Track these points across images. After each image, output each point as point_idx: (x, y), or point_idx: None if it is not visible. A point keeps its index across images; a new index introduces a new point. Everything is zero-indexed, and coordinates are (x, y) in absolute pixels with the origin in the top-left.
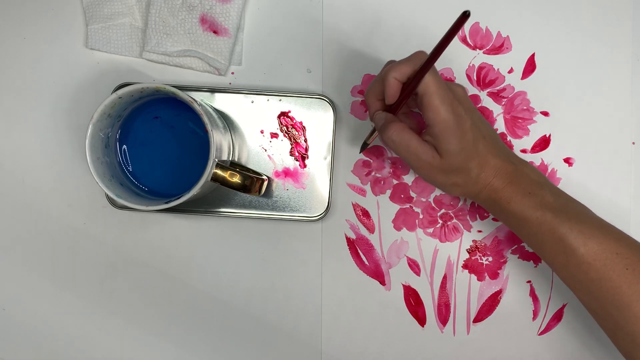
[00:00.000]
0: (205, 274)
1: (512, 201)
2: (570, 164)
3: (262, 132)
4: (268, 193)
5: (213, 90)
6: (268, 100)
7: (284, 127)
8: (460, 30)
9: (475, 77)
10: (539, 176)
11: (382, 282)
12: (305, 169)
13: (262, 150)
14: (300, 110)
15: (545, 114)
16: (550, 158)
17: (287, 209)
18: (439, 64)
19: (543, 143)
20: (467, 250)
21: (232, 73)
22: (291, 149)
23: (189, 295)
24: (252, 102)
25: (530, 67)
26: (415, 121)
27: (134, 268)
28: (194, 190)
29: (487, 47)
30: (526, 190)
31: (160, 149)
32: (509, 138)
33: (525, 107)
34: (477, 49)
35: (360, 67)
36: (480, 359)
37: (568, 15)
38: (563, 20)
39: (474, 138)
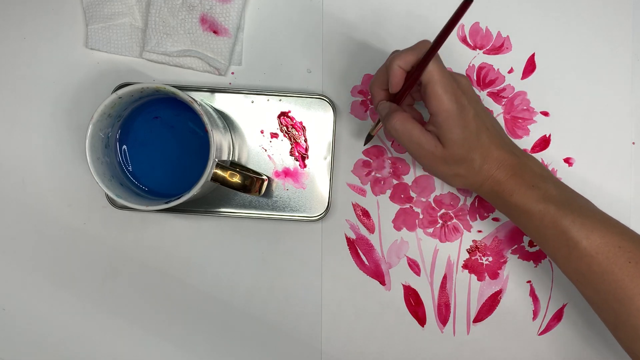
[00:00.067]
0: (205, 274)
1: (515, 193)
2: (570, 164)
3: (262, 132)
4: (268, 193)
5: (213, 90)
6: (268, 100)
7: (284, 127)
8: (463, 17)
9: (475, 77)
10: (542, 169)
11: (382, 282)
12: (305, 169)
13: (262, 150)
14: (300, 110)
15: (545, 114)
16: (550, 158)
17: (287, 209)
18: None
19: (543, 143)
20: (467, 250)
21: (232, 73)
22: (291, 149)
23: (189, 295)
24: (252, 102)
25: (530, 67)
26: (419, 113)
27: (134, 268)
28: (194, 190)
29: (487, 47)
30: (529, 183)
31: (160, 149)
32: None
33: (525, 107)
34: (477, 49)
35: (360, 67)
36: (480, 359)
37: (568, 15)
38: (563, 21)
39: (477, 128)
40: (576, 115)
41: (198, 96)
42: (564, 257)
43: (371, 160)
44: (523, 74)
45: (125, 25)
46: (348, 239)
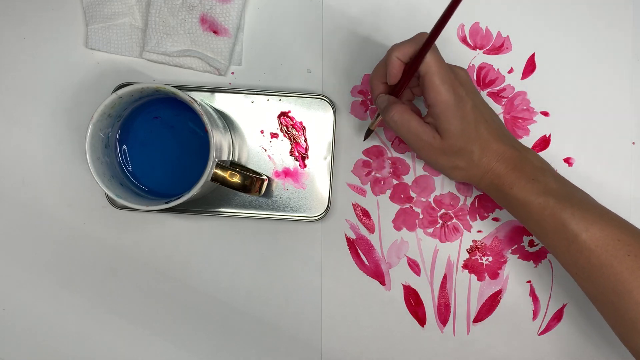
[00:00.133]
0: (205, 274)
1: (514, 187)
2: (570, 164)
3: (262, 132)
4: (268, 193)
5: (213, 90)
6: (268, 100)
7: (284, 127)
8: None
9: (475, 77)
10: (542, 163)
11: (382, 282)
12: (305, 169)
13: (262, 150)
14: (300, 110)
15: (545, 114)
16: (550, 158)
17: (287, 209)
18: None
19: (543, 143)
20: (467, 250)
21: (232, 73)
22: (291, 149)
23: (188, 295)
24: (252, 102)
25: (530, 67)
26: (418, 109)
27: (134, 268)
28: (194, 190)
29: (487, 47)
30: (529, 177)
31: (160, 149)
32: None
33: (525, 107)
34: (477, 49)
35: (360, 67)
36: (480, 359)
37: (568, 15)
38: (563, 21)
39: (475, 120)
40: (576, 115)
41: (198, 96)
42: (564, 250)
43: (371, 160)
44: (523, 74)
45: (125, 25)
46: (348, 239)
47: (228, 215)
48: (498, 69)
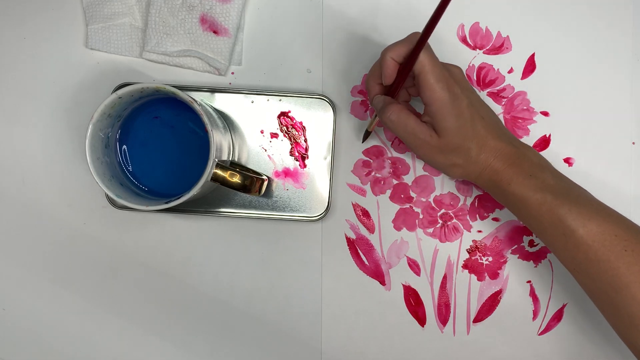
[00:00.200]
0: (205, 274)
1: (512, 183)
2: (570, 164)
3: (262, 132)
4: (268, 193)
5: (213, 90)
6: (268, 100)
7: (284, 127)
8: (448, 6)
9: (475, 77)
10: (540, 159)
11: (382, 282)
12: (305, 169)
13: (262, 150)
14: (300, 110)
15: (545, 114)
16: (550, 158)
17: (287, 209)
18: None
19: (543, 143)
20: (467, 250)
21: (232, 73)
22: (291, 149)
23: (188, 295)
24: (252, 102)
25: (530, 67)
26: (415, 110)
27: (134, 268)
28: (194, 190)
29: (487, 47)
30: (527, 173)
31: (160, 149)
32: None
33: (525, 107)
34: (477, 49)
35: (360, 67)
36: (480, 359)
37: (568, 15)
38: (563, 21)
39: (471, 118)
40: (576, 115)
41: (198, 96)
42: (561, 246)
43: (371, 160)
44: (523, 74)
45: (125, 25)
46: (348, 239)
47: (228, 215)
48: (498, 69)
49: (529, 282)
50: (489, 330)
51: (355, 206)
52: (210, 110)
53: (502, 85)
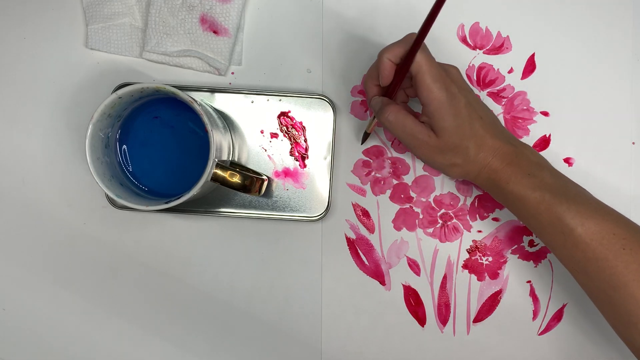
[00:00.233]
0: (205, 274)
1: (510, 181)
2: (570, 164)
3: (262, 132)
4: (268, 193)
5: (213, 90)
6: (268, 100)
7: (284, 127)
8: (443, 6)
9: (475, 77)
10: (538, 158)
11: (382, 282)
12: (305, 169)
13: (262, 150)
14: (300, 110)
15: (545, 114)
16: (550, 158)
17: (287, 209)
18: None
19: (543, 143)
20: (467, 250)
21: (232, 73)
22: (291, 149)
23: (189, 295)
24: (252, 102)
25: (530, 67)
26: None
27: (134, 268)
28: (194, 190)
29: (487, 47)
30: (525, 171)
31: (160, 149)
32: None
33: (525, 107)
34: (477, 49)
35: (360, 67)
36: (480, 359)
37: (568, 15)
38: (563, 21)
39: (469, 117)
40: (576, 115)
41: (198, 96)
42: (560, 244)
43: (371, 160)
44: (523, 74)
45: (125, 25)
46: (348, 239)
47: (228, 215)
48: (498, 69)
49: (529, 282)
50: (489, 330)
51: (355, 206)
52: (210, 110)
53: (502, 85)
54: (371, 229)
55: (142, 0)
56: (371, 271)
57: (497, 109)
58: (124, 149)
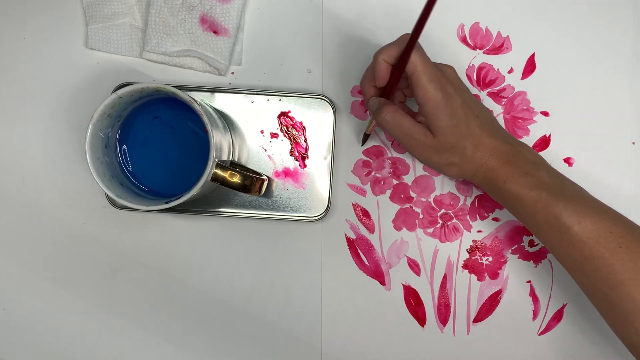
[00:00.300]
0: (205, 274)
1: (507, 180)
2: (570, 164)
3: (262, 132)
4: (268, 193)
5: (213, 90)
6: (268, 100)
7: (284, 127)
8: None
9: (475, 77)
10: (535, 157)
11: (382, 282)
12: (305, 169)
13: (262, 150)
14: (300, 110)
15: (545, 114)
16: (550, 158)
17: (287, 209)
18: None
19: (543, 143)
20: (467, 250)
21: (232, 73)
22: (291, 149)
23: (189, 295)
24: (252, 102)
25: (530, 67)
26: (411, 110)
27: (134, 268)
28: (194, 190)
29: (487, 47)
30: (522, 170)
31: (160, 149)
32: None
33: (525, 107)
34: (477, 49)
35: (360, 67)
36: (480, 359)
37: (568, 15)
38: (563, 21)
39: (465, 116)
40: (576, 115)
41: (198, 96)
42: (557, 243)
43: (371, 160)
44: (523, 74)
45: (125, 25)
46: (348, 239)
47: (228, 215)
48: (498, 69)
49: (529, 282)
50: (489, 330)
51: (355, 206)
52: (210, 110)
53: (502, 85)
54: (371, 229)
55: (142, 0)
56: (371, 271)
57: (497, 109)
58: (124, 149)
